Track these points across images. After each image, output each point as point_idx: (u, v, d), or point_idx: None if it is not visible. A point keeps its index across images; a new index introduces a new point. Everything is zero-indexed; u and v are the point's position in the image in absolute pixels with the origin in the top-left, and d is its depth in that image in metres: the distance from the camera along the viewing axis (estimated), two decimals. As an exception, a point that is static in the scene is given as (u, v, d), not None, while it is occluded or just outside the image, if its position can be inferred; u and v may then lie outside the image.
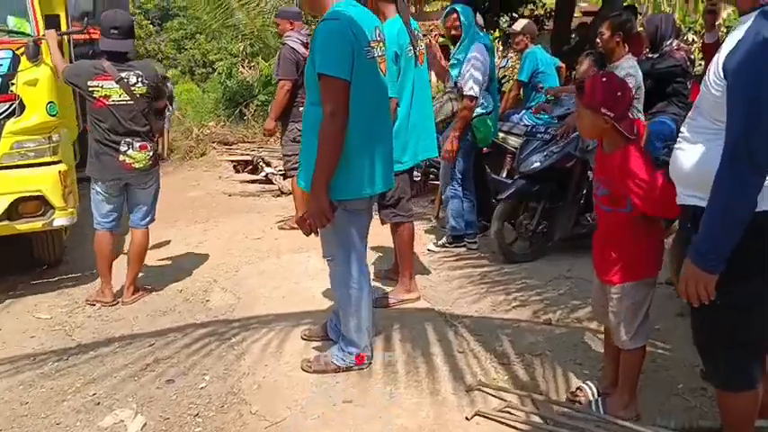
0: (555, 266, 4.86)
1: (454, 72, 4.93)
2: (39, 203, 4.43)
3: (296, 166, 4.96)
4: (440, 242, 5.22)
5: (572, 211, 4.90)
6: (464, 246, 5.12)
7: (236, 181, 8.73)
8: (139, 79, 4.21)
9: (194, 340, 3.74)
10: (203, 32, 22.49)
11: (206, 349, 3.61)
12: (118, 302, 4.40)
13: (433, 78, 6.18)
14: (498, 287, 4.51)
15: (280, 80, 5.62)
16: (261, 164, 9.07)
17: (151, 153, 4.34)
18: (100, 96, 4.10)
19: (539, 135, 4.95)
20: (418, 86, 3.92)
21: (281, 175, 7.80)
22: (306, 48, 5.47)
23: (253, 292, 4.50)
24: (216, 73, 16.88)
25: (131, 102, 4.16)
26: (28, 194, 4.38)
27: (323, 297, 4.24)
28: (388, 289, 4.28)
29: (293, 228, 5.52)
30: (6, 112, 4.34)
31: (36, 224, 4.44)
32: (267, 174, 8.57)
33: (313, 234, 2.81)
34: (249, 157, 9.75)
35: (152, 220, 4.58)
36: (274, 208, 6.99)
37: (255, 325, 3.90)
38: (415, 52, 3.88)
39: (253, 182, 8.63)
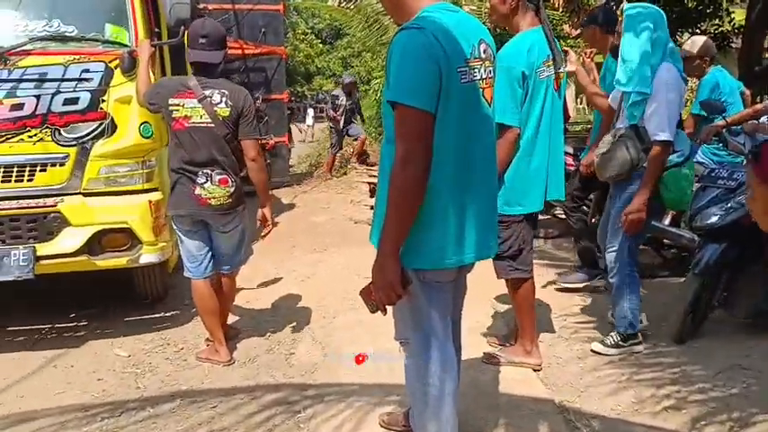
0: (726, 349, 3.60)
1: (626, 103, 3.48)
2: (124, 237, 3.83)
3: None
4: (609, 341, 3.65)
5: (763, 282, 3.59)
6: (639, 343, 3.65)
7: (366, 207, 8.23)
8: (224, 99, 3.43)
9: (260, 408, 3.15)
10: (369, 50, 22.50)
11: (270, 423, 3.00)
12: (234, 361, 3.68)
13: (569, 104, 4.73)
14: (646, 374, 3.39)
15: None
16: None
17: (232, 189, 3.48)
18: (179, 117, 3.39)
19: (720, 182, 3.68)
20: (551, 116, 3.15)
21: None
22: None
23: (342, 349, 3.80)
24: (371, 90, 16.52)
25: (213, 125, 3.40)
26: (112, 226, 3.78)
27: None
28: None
29: None
30: (95, 133, 3.78)
31: (120, 260, 3.84)
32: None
33: (380, 312, 2.06)
34: None
35: (240, 263, 3.82)
36: None
37: (332, 397, 3.22)
38: (556, 73, 3.15)
39: None
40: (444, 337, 2.20)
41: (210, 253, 3.60)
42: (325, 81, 29.67)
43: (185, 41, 3.57)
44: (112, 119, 3.80)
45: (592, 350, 3.62)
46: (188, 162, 3.39)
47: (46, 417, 3.10)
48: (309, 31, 27.96)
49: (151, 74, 3.92)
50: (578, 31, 11.96)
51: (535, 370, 3.37)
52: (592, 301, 4.52)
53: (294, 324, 4.25)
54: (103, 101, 3.79)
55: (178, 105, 3.37)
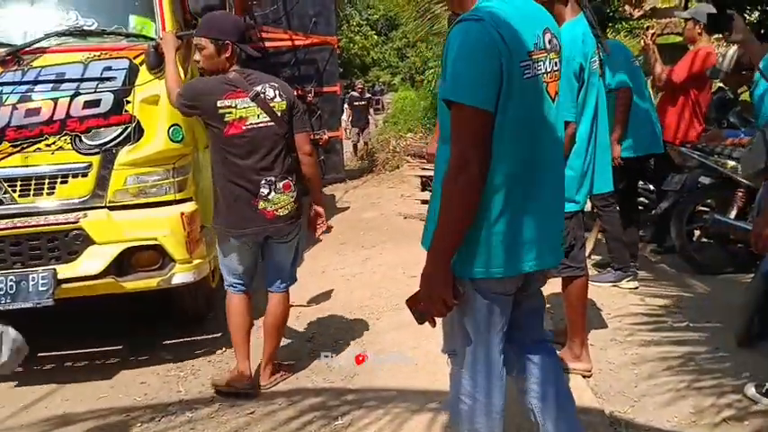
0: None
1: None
2: (154, 255, 3.33)
3: None
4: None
5: None
6: None
7: (417, 201, 7.93)
8: (277, 92, 2.97)
9: (298, 413, 3.01)
10: (423, 40, 21.95)
11: (306, 430, 2.86)
12: (254, 388, 3.20)
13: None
14: (707, 381, 3.13)
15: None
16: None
17: (296, 193, 3.07)
18: (233, 120, 2.88)
19: None
20: (600, 106, 3.04)
21: None
22: None
23: (384, 352, 3.61)
24: (425, 81, 16.26)
25: (272, 123, 2.92)
26: (141, 243, 3.28)
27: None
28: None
29: None
30: (120, 138, 3.28)
31: (150, 281, 3.33)
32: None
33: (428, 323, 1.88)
34: None
35: (293, 281, 3.30)
36: None
37: (371, 402, 3.08)
38: (601, 61, 3.01)
39: None
40: (496, 352, 1.97)
41: (254, 272, 3.18)
42: (382, 72, 29.10)
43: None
44: (138, 122, 3.29)
45: (744, 395, 2.93)
46: (245, 172, 2.91)
47: (88, 419, 3.04)
48: (364, 22, 27.35)
49: (181, 70, 3.40)
50: (640, 12, 11.05)
51: (584, 376, 3.14)
52: (649, 300, 4.19)
53: (337, 326, 4.04)
54: (128, 102, 3.28)
55: (230, 107, 2.86)
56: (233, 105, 2.89)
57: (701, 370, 3.22)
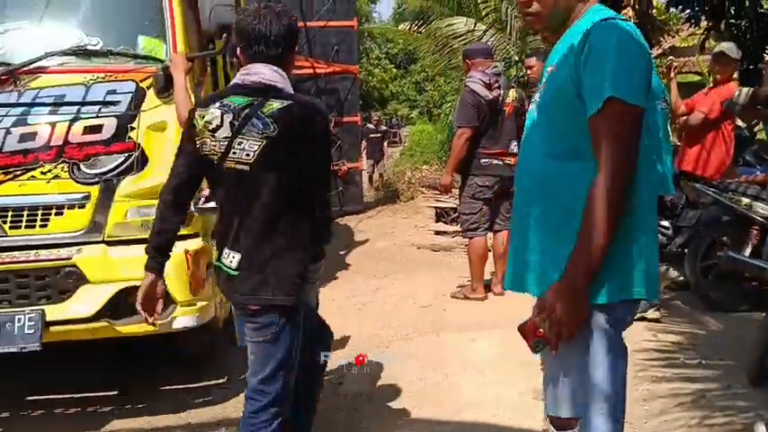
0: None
1: None
2: (153, 296, 2.95)
3: (474, 226, 4.81)
4: None
5: None
6: None
7: (430, 231, 7.95)
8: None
9: None
10: (441, 74, 21.90)
11: None
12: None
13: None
14: (718, 418, 2.99)
15: (458, 128, 4.80)
16: (462, 213, 8.15)
17: None
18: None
19: None
20: None
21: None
22: (489, 89, 4.64)
23: (392, 381, 3.48)
24: (442, 114, 16.38)
25: None
26: (138, 283, 2.91)
27: (468, 405, 3.14)
28: None
29: (467, 298, 4.89)
30: (122, 167, 2.96)
31: (148, 326, 2.96)
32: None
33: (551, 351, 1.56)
34: (454, 205, 8.78)
35: None
36: (460, 267, 5.79)
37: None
38: None
39: (451, 233, 7.78)
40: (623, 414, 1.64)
41: None
42: (400, 106, 28.98)
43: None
44: (143, 150, 2.98)
45: None
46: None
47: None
48: (383, 56, 27.36)
49: (192, 96, 3.09)
50: (659, 50, 10.85)
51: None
52: (662, 336, 4.02)
53: (347, 354, 3.79)
54: (132, 128, 2.97)
55: None
56: None
57: (712, 407, 3.09)
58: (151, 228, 2.25)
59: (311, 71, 7.11)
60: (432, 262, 6.46)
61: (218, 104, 2.04)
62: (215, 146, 2.02)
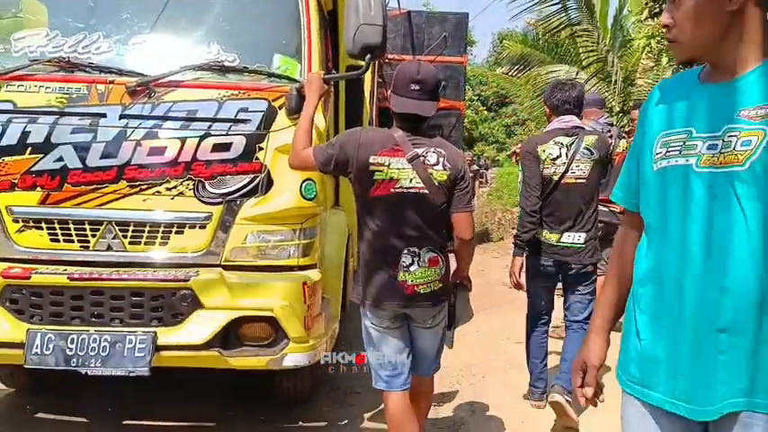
0: None
1: None
2: (267, 328, 2.73)
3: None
4: None
5: None
6: None
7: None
8: (441, 160, 2.40)
9: None
10: (533, 119, 21.45)
11: None
12: None
13: None
14: None
15: None
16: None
17: (443, 271, 2.46)
18: (383, 179, 2.35)
19: None
20: None
21: None
22: None
23: (492, 406, 3.59)
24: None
25: (426, 191, 2.36)
26: (254, 313, 2.69)
27: None
28: None
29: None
30: (247, 188, 2.76)
31: (259, 360, 2.73)
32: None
33: None
34: None
35: (435, 369, 2.65)
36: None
37: None
38: None
39: None
40: None
41: (411, 356, 2.51)
42: (487, 147, 28.53)
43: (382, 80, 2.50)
44: (269, 172, 2.77)
45: None
46: (389, 238, 2.37)
47: None
48: (476, 98, 27.10)
49: (323, 119, 2.87)
50: None
51: None
52: None
53: (446, 379, 3.88)
54: (261, 149, 2.77)
55: (382, 165, 2.34)
56: (385, 164, 2.35)
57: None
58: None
59: (418, 106, 6.86)
60: (521, 301, 6.25)
61: None
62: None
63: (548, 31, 10.15)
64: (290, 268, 2.80)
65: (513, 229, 10.87)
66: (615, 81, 9.42)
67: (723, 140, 1.26)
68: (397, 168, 2.35)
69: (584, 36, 10.00)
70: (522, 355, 4.17)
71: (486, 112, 27.81)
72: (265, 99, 2.81)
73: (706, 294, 1.26)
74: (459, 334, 4.81)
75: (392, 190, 2.35)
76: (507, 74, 15.37)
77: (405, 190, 2.35)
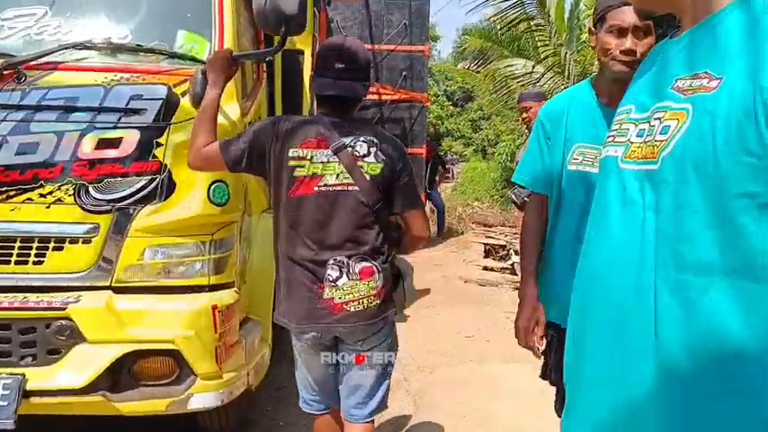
0: None
1: None
2: (168, 363, 2.20)
3: None
4: None
5: None
6: None
7: (478, 266, 7.71)
8: (372, 151, 1.93)
9: None
10: (497, 114, 21.31)
11: None
12: None
13: None
14: None
15: None
16: (512, 251, 7.98)
17: (380, 283, 1.95)
18: (304, 176, 1.88)
19: None
20: None
21: None
22: None
23: (435, 405, 3.43)
24: (497, 153, 16.11)
25: (355, 188, 1.88)
26: (150, 346, 2.17)
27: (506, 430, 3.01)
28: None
29: None
30: (142, 193, 2.23)
31: (156, 403, 2.19)
32: (514, 263, 7.34)
33: None
34: (503, 242, 8.82)
35: (380, 408, 2.13)
36: (506, 303, 5.76)
37: None
38: None
39: (499, 269, 7.72)
40: None
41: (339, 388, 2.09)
42: (455, 143, 28.25)
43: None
44: (170, 173, 2.24)
45: None
46: (311, 246, 1.90)
47: None
48: (442, 93, 26.73)
49: (236, 108, 2.35)
50: None
51: None
52: None
53: (393, 376, 3.14)
54: (159, 145, 2.24)
55: (303, 159, 1.88)
56: (306, 157, 1.88)
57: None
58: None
59: (376, 96, 6.40)
60: (477, 296, 6.31)
61: None
62: None
63: (505, 24, 9.90)
64: (200, 288, 2.28)
65: (473, 223, 10.68)
66: (569, 75, 9.24)
67: (650, 124, 0.90)
68: (321, 162, 1.88)
69: (538, 30, 9.90)
70: (469, 350, 4.30)
71: (452, 108, 27.53)
72: (165, 84, 2.27)
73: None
74: (409, 328, 4.76)
75: (315, 188, 1.89)
76: (468, 68, 15.16)
77: (330, 188, 1.88)
